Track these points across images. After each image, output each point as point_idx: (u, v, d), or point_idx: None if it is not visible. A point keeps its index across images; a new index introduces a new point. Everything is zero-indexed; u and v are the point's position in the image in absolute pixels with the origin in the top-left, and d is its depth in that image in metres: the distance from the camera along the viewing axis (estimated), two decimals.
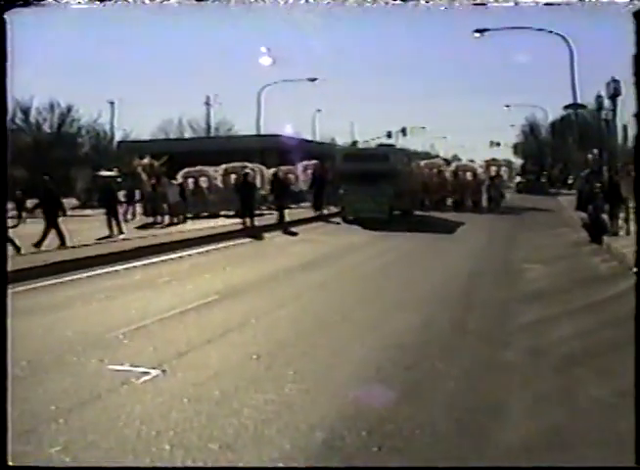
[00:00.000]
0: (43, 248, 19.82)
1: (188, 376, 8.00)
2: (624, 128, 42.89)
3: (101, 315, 11.63)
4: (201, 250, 21.38)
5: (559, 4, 5.53)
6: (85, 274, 15.98)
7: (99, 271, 16.48)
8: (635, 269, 12.83)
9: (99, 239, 23.60)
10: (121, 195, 35.53)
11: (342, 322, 11.12)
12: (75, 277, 15.60)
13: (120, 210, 28.50)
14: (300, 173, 44.05)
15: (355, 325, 10.95)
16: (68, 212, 45.75)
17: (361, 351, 9.22)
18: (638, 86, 5.20)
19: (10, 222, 22.97)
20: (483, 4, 5.48)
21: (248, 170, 35.22)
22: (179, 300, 12.69)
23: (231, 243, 23.64)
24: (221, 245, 22.93)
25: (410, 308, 12.16)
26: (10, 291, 5.35)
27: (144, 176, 36.19)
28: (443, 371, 8.22)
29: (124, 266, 17.38)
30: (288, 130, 74.56)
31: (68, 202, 54.19)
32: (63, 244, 20.73)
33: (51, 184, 22.99)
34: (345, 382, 7.78)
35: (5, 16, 5.03)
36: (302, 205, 40.66)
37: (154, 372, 8.10)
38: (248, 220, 28.53)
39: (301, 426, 6.36)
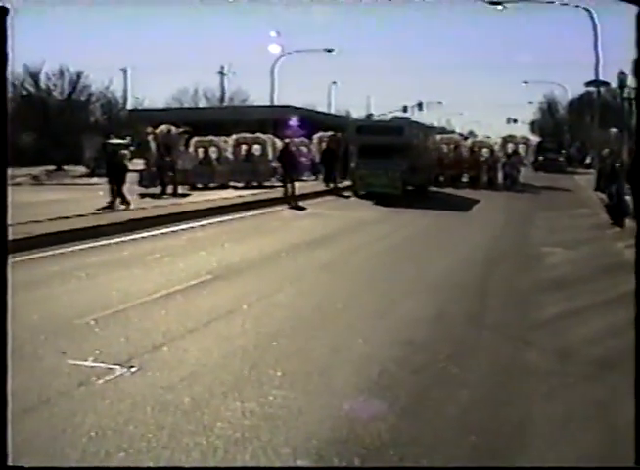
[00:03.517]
0: (34, 218, 18.57)
1: (158, 376, 6.86)
2: None
3: (76, 296, 10.50)
4: (201, 223, 20.22)
5: None
6: (71, 248, 14.82)
7: (87, 245, 15.33)
8: None
9: (99, 209, 22.37)
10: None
11: (344, 311, 9.97)
12: (59, 251, 14.42)
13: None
14: (315, 145, 42.79)
15: (359, 315, 9.82)
16: (75, 181, 45.16)
17: (363, 347, 8.08)
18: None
19: None
20: None
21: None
22: (166, 280, 11.55)
23: (234, 216, 22.43)
24: (223, 218, 21.72)
25: (420, 296, 11.05)
26: None
27: (152, 145, 35.17)
28: (456, 376, 7.08)
29: (115, 240, 16.23)
30: (302, 102, 73.23)
31: (77, 170, 53.49)
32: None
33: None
34: (340, 389, 6.61)
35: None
36: (316, 177, 39.54)
37: (119, 370, 6.97)
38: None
39: (282, 450, 5.22)
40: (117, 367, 7.04)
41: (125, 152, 26.01)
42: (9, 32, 4.57)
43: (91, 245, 15.43)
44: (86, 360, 7.26)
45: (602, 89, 52.68)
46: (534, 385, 6.97)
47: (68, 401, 6.17)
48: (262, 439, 5.40)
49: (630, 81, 39.86)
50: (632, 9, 4.65)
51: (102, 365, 7.11)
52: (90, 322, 8.78)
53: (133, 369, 7.03)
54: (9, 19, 4.71)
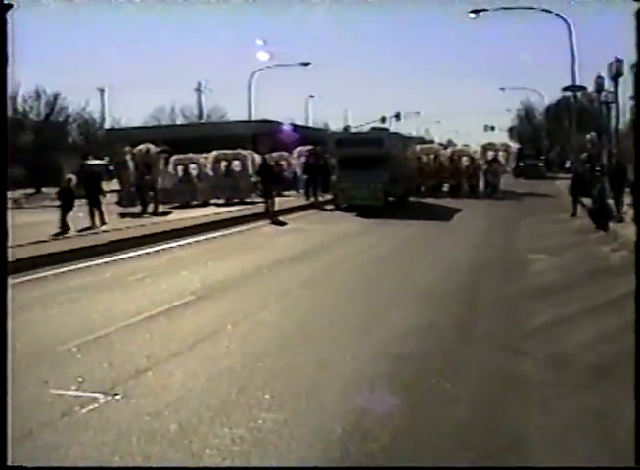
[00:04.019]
0: (14, 242, 18.30)
1: (143, 403, 6.65)
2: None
3: (59, 321, 10.27)
4: (183, 242, 19.99)
5: None
6: (53, 271, 14.58)
7: (68, 268, 15.09)
8: None
9: (79, 231, 22.13)
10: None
11: (330, 326, 9.80)
12: (40, 275, 14.19)
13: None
14: (295, 159, 42.70)
15: (345, 330, 9.64)
16: (53, 203, 44.74)
17: (351, 364, 7.92)
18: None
19: None
20: None
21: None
22: (149, 302, 11.35)
23: (216, 234, 22.22)
24: (205, 236, 21.52)
25: (407, 307, 10.92)
26: None
27: (130, 164, 34.99)
28: (449, 391, 6.92)
29: (96, 262, 15.99)
30: (280, 116, 73.13)
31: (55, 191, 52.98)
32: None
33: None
34: (331, 409, 6.44)
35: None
36: (297, 192, 39.40)
37: (102, 398, 6.76)
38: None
39: None
40: (101, 395, 6.84)
41: (71, 176, 25.88)
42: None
43: (73, 267, 15.20)
44: (69, 389, 7.06)
45: (579, 94, 52.78)
46: (529, 396, 6.82)
47: (52, 433, 5.97)
48: (253, 466, 5.23)
49: (607, 85, 39.92)
50: (627, 9, 4.57)
51: (85, 394, 6.90)
52: (73, 348, 8.57)
53: (117, 396, 6.83)
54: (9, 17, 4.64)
